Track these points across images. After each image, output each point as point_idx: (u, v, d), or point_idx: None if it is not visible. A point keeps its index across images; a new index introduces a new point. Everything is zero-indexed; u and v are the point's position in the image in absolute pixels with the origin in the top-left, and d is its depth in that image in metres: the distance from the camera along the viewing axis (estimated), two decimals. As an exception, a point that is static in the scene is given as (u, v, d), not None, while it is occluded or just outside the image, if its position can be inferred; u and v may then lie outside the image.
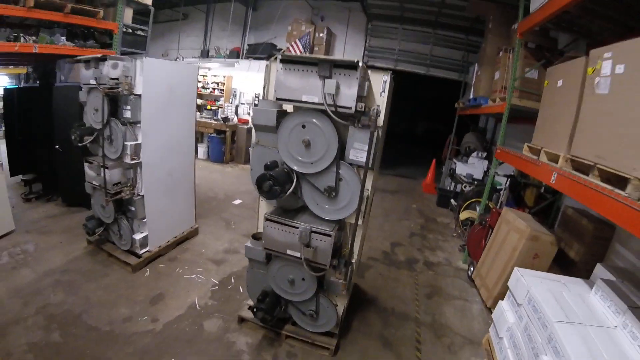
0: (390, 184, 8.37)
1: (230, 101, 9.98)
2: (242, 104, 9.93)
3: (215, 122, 9.41)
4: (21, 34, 4.66)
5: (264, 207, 3.06)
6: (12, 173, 5.45)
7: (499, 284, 3.79)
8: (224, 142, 9.30)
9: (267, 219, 2.69)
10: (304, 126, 2.40)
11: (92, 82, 3.42)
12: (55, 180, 5.24)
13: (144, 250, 4.02)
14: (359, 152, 2.45)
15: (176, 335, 3.18)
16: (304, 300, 2.96)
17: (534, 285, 2.84)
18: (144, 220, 3.92)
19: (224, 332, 3.27)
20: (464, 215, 5.48)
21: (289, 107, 2.66)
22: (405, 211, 6.87)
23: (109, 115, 3.45)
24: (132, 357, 2.90)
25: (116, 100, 3.51)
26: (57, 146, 4.86)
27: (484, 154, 6.60)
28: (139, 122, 3.54)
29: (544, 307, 2.56)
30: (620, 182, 2.19)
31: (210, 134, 9.38)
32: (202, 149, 9.59)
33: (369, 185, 2.64)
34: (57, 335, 3.00)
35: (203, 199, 6.48)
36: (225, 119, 9.37)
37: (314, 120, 2.37)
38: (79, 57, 3.73)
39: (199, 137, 9.77)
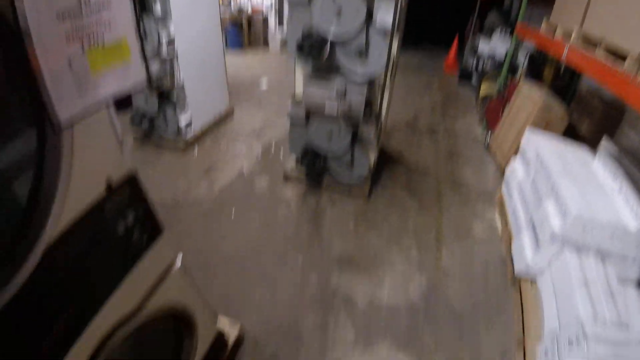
0: (413, 60, 9.07)
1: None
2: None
3: (230, 15, 9.70)
4: None
5: (300, 75, 3.67)
6: None
7: (512, 148, 4.48)
8: (241, 29, 9.75)
9: (307, 81, 3.35)
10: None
11: None
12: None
13: (190, 134, 4.87)
14: (386, 16, 2.98)
15: (231, 195, 4.10)
16: (340, 152, 3.75)
17: (542, 143, 3.42)
18: (186, 107, 4.65)
19: (272, 188, 4.22)
20: (483, 89, 6.07)
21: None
22: (428, 86, 7.63)
23: (140, 12, 3.89)
24: (198, 217, 3.75)
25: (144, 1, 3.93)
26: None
27: (508, 30, 6.86)
28: (170, 16, 4.01)
29: (549, 161, 3.04)
30: (622, 58, 2.55)
31: (226, 27, 9.68)
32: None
33: (394, 48, 3.22)
34: None
35: (231, 84, 7.19)
36: (240, 11, 9.69)
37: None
38: None
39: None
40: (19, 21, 0.84)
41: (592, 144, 3.63)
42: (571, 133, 4.47)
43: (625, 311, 2.08)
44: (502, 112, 5.06)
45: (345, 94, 3.26)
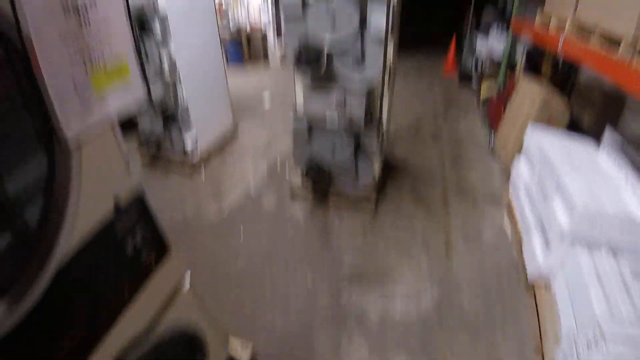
0: (413, 64, 9.17)
1: (239, 9, 10.31)
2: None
3: (229, 33, 9.96)
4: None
5: (300, 87, 3.74)
6: None
7: (516, 146, 4.47)
8: (241, 46, 10.00)
9: (306, 92, 3.43)
10: (327, 6, 3.00)
11: None
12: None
13: (196, 154, 4.96)
14: (378, 22, 3.04)
15: (240, 214, 4.16)
16: (344, 163, 3.79)
17: (545, 139, 3.41)
18: (191, 128, 4.73)
19: (280, 205, 4.26)
20: (484, 90, 6.10)
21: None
22: (428, 90, 7.72)
23: (139, 37, 4.05)
24: (208, 238, 3.81)
25: (143, 23, 4.10)
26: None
27: (505, 26, 6.90)
28: (169, 40, 4.17)
29: (553, 157, 3.02)
30: (617, 44, 2.53)
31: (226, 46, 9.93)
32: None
33: (390, 52, 3.29)
34: None
35: (234, 101, 7.32)
36: (239, 30, 9.98)
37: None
38: None
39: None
40: (25, 44, 0.91)
41: (596, 135, 3.61)
42: (574, 126, 4.44)
43: (643, 307, 2.04)
44: (504, 111, 5.06)
45: (345, 104, 3.32)
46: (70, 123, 1.06)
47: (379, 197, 4.20)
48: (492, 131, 5.30)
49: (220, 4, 10.30)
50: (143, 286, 1.40)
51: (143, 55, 4.17)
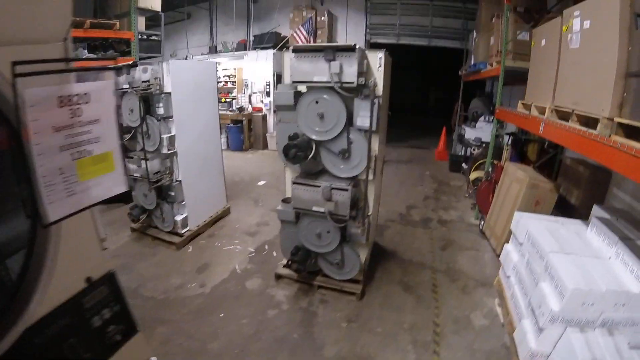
0: (404, 155, 9.29)
1: (243, 92, 10.95)
2: (254, 93, 10.90)
3: (231, 113, 10.50)
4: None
5: (289, 175, 3.83)
6: None
7: (505, 231, 4.51)
8: (241, 130, 10.40)
9: (294, 182, 3.48)
10: (317, 102, 3.18)
11: (126, 86, 4.24)
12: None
13: (185, 230, 4.94)
14: (364, 118, 3.20)
15: (223, 295, 4.04)
16: (330, 251, 3.76)
17: (532, 224, 3.40)
18: (183, 203, 4.79)
19: (264, 288, 4.13)
20: (473, 175, 6.17)
21: (303, 88, 3.40)
22: (419, 178, 7.77)
23: (144, 113, 4.25)
24: (188, 315, 3.71)
25: (148, 100, 4.37)
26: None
27: (491, 118, 7.22)
28: (172, 117, 4.40)
29: (540, 241, 3.02)
30: (594, 123, 2.62)
31: (228, 124, 10.38)
32: (221, 139, 10.54)
33: (375, 145, 3.39)
34: None
35: (230, 183, 7.45)
36: (241, 109, 10.51)
37: (325, 96, 3.13)
38: (109, 66, 4.55)
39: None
40: (20, 130, 1.04)
41: (585, 213, 3.61)
42: (563, 206, 4.49)
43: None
44: (492, 195, 5.06)
45: (331, 194, 3.34)
46: (54, 204, 1.17)
47: (366, 283, 4.09)
48: (482, 216, 5.26)
49: (226, 83, 11.01)
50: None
51: (144, 133, 4.35)
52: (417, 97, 15.08)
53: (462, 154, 7.57)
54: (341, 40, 10.74)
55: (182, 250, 4.84)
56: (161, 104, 4.28)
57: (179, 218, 4.79)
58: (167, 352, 3.25)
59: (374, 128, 3.20)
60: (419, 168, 8.51)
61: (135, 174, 4.67)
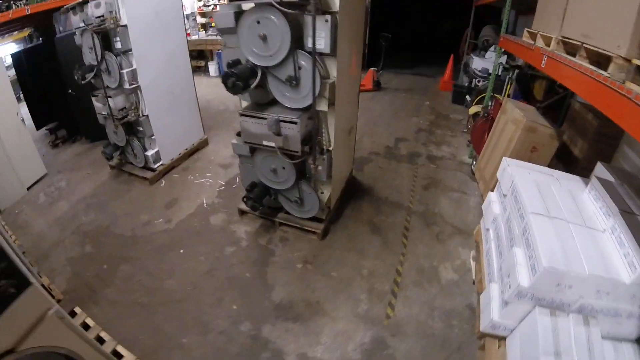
0: (405, 83, 8.44)
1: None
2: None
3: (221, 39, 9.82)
4: (12, 2, 5.26)
5: (244, 105, 3.52)
6: (38, 126, 6.30)
7: (494, 177, 3.96)
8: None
9: (241, 114, 3.20)
10: (258, 22, 2.76)
11: (82, 24, 3.98)
12: (75, 123, 6.07)
13: (158, 165, 4.86)
14: (320, 39, 2.75)
15: (187, 231, 3.99)
16: (287, 188, 3.52)
17: (519, 175, 2.82)
18: (153, 138, 4.66)
19: (227, 224, 4.03)
20: (473, 109, 5.61)
21: (248, 6, 2.99)
22: (417, 108, 7.08)
23: (102, 49, 3.99)
24: (151, 252, 3.73)
25: (107, 35, 4.05)
26: (70, 91, 5.57)
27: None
28: (130, 50, 4.06)
29: (524, 196, 2.53)
30: (606, 63, 2.05)
31: (219, 50, 9.82)
32: (213, 67, 10.30)
33: (333, 71, 2.99)
34: (90, 247, 3.89)
35: (215, 112, 7.29)
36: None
37: (266, 14, 2.71)
38: (65, 6, 4.28)
39: (209, 55, 10.54)
40: None
41: (588, 168, 3.03)
42: (564, 153, 3.90)
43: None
44: (488, 133, 4.59)
45: (279, 127, 3.07)
46: None
47: (331, 222, 3.89)
48: (476, 155, 4.84)
49: (215, 7, 10.15)
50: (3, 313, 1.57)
51: (104, 66, 4.13)
52: (429, 26, 13.71)
53: (467, 85, 6.94)
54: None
55: (155, 185, 4.79)
56: (118, 38, 3.97)
57: (149, 153, 4.68)
58: (127, 289, 3.32)
59: (324, 49, 2.79)
60: (419, 98, 7.70)
61: (102, 112, 4.51)
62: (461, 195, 4.45)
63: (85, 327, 2.71)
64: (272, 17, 2.71)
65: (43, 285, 2.95)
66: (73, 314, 2.87)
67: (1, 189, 4.50)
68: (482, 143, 4.60)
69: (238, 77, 2.81)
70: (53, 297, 3.11)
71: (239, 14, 2.89)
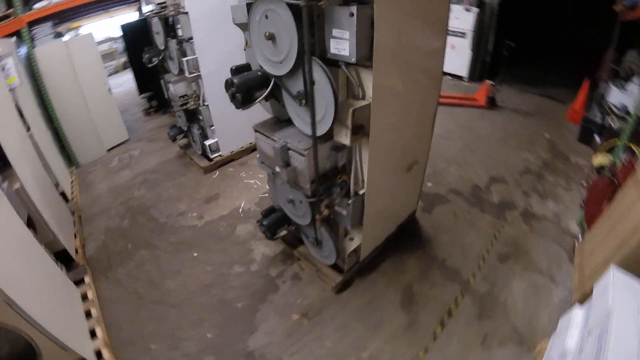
0: (527, 104, 6.24)
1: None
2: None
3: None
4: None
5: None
6: (140, 92, 6.82)
7: (596, 275, 2.54)
8: None
9: (255, 129, 2.60)
10: (266, 16, 2.04)
11: (151, 8, 3.91)
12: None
13: (216, 155, 4.70)
14: (338, 41, 1.93)
15: (211, 233, 3.74)
16: (303, 223, 2.83)
17: (621, 310, 1.59)
18: (212, 128, 4.42)
19: (249, 238, 3.63)
20: (598, 159, 3.82)
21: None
22: (531, 140, 5.17)
23: (165, 35, 3.82)
24: (170, 245, 3.65)
25: (173, 22, 3.90)
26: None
27: None
28: (192, 38, 3.82)
29: (615, 340, 1.45)
30: None
31: None
32: None
33: (369, 90, 2.10)
34: (127, 222, 4.01)
35: None
36: None
37: (272, 5, 1.97)
38: None
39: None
40: None
41: None
42: None
43: None
44: (608, 202, 2.94)
45: (288, 156, 2.35)
46: None
47: (356, 275, 3.08)
48: (583, 229, 3.24)
49: None
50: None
51: (166, 56, 4.01)
52: (568, 32, 10.05)
53: (600, 121, 4.80)
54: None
55: (208, 175, 4.65)
56: (179, 26, 3.77)
57: (208, 142, 4.52)
58: (135, 276, 3.33)
59: (348, 57, 1.92)
60: (538, 126, 5.59)
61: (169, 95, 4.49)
62: (546, 281, 3.03)
63: (84, 297, 2.95)
64: (278, 10, 1.95)
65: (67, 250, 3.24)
66: (82, 281, 3.11)
67: (85, 146, 5.04)
68: (597, 214, 2.99)
69: (238, 88, 2.18)
70: (73, 260, 3.31)
71: (250, 5, 2.20)
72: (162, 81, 4.45)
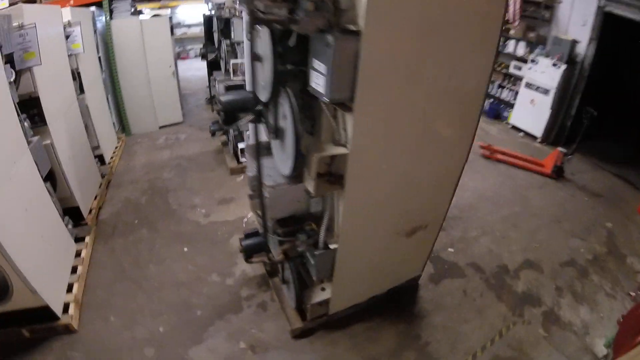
0: (599, 183, 5.07)
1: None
2: None
3: None
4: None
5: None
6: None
7: None
8: None
9: (246, 147, 2.46)
10: (260, 35, 1.87)
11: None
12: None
13: (245, 159, 4.59)
14: (317, 75, 1.67)
15: (208, 235, 3.73)
16: (276, 258, 2.61)
17: None
18: (247, 133, 4.40)
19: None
20: None
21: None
22: (589, 227, 4.17)
23: (220, 35, 3.90)
24: (170, 233, 3.74)
25: (229, 23, 3.95)
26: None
27: None
28: (241, 43, 3.83)
29: None
30: None
31: None
32: None
33: (348, 131, 1.81)
34: (145, 199, 4.21)
35: None
36: None
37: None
38: None
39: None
40: None
41: None
42: None
43: None
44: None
45: (259, 188, 2.16)
46: None
47: (317, 328, 2.75)
48: (613, 351, 2.44)
49: None
50: None
51: (218, 55, 4.10)
52: None
53: None
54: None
55: (234, 176, 4.70)
56: (233, 28, 3.79)
57: (241, 145, 4.55)
58: (128, 250, 3.51)
59: (324, 94, 1.64)
60: (602, 211, 4.50)
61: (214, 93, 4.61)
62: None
63: (78, 254, 3.18)
64: (262, 29, 1.77)
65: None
66: (82, 240, 3.34)
67: (140, 119, 5.49)
68: (629, 342, 2.24)
69: (224, 107, 2.07)
70: (84, 218, 3.55)
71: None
72: (211, 77, 4.60)
